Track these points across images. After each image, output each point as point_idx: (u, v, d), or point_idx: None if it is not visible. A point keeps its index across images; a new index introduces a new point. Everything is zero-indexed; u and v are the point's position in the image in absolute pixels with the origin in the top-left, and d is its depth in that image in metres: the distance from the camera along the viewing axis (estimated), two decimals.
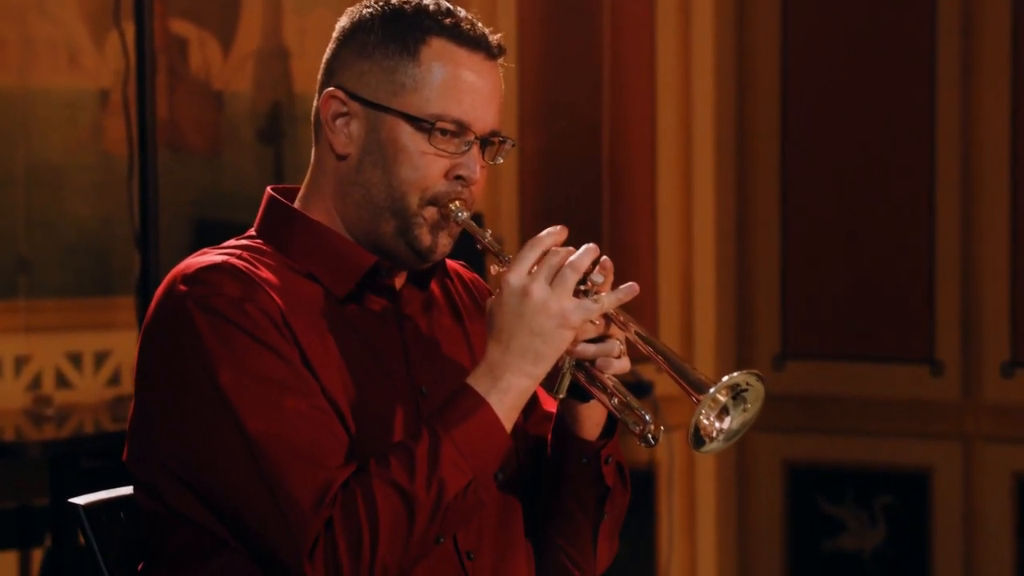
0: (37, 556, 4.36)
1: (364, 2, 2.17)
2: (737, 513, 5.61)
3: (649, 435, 2.04)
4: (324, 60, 2.18)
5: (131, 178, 4.18)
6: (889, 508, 5.38)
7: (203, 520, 2.05)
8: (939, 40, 5.27)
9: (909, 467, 5.35)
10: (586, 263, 2.02)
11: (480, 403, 2.02)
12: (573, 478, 2.17)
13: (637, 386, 4.72)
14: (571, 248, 2.04)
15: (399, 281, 2.18)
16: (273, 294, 2.07)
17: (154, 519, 2.09)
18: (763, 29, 5.52)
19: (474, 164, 2.13)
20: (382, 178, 2.12)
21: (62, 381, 4.63)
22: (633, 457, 5.12)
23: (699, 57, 5.54)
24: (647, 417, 2.04)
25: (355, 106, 2.13)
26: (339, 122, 2.14)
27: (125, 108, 4.20)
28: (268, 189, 2.21)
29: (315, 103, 2.17)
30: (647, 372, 4.88)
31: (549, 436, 2.20)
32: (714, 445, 2.01)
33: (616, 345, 2.06)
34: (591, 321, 2.04)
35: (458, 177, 2.13)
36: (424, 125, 2.10)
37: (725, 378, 1.98)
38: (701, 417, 1.98)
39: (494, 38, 2.15)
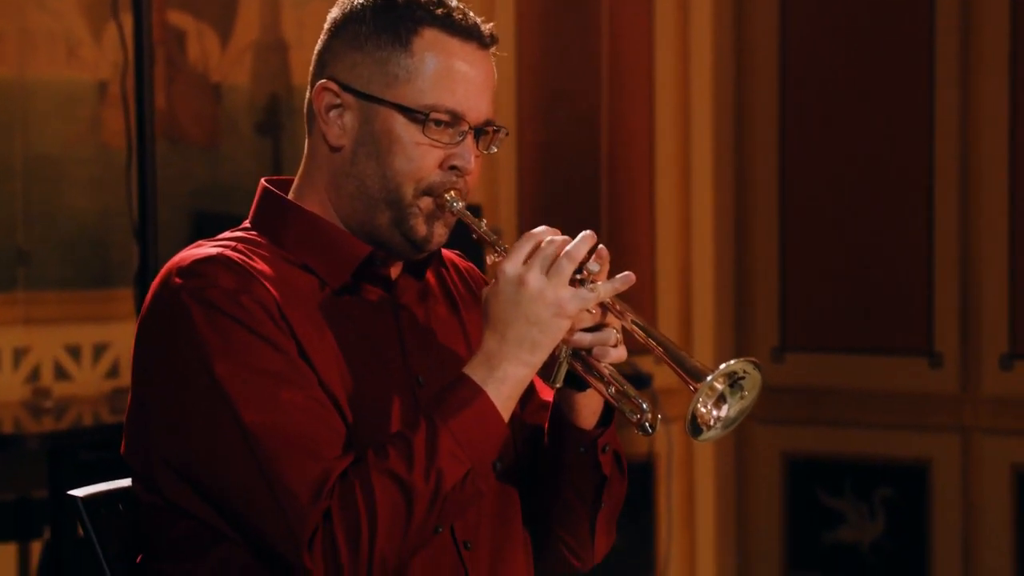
0: (36, 548, 4.36)
1: None
2: (736, 505, 5.61)
3: (646, 423, 2.04)
4: (316, 52, 2.17)
5: (129, 170, 4.18)
6: (888, 500, 5.38)
7: (201, 513, 2.05)
8: (937, 34, 5.27)
9: (908, 459, 5.35)
10: (582, 252, 2.02)
11: (477, 393, 2.02)
12: (570, 467, 2.17)
13: (636, 378, 4.72)
14: (567, 237, 2.04)
15: (395, 271, 2.18)
16: (268, 285, 2.06)
17: (152, 512, 2.09)
18: (762, 22, 5.52)
19: (468, 154, 2.12)
20: (376, 169, 2.12)
21: (61, 373, 4.63)
22: (632, 449, 5.12)
23: (697, 50, 5.54)
24: (644, 405, 2.04)
25: (348, 98, 2.13)
26: (332, 114, 2.14)
27: (123, 100, 4.20)
28: (262, 181, 2.21)
29: (308, 95, 2.17)
30: (646, 364, 4.88)
31: (546, 425, 2.20)
32: (711, 433, 2.01)
33: (612, 334, 2.06)
34: (587, 310, 2.04)
35: (453, 167, 2.12)
36: (418, 116, 2.10)
37: (722, 366, 1.98)
38: (698, 405, 1.98)
39: (486, 27, 2.14)
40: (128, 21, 3.92)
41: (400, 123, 2.11)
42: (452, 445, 2.00)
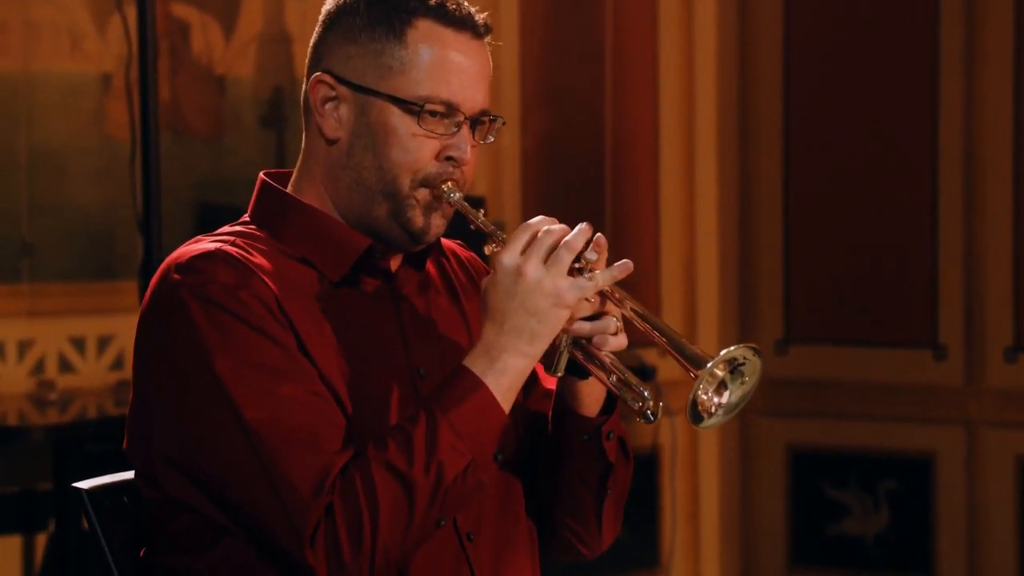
0: (41, 541, 4.36)
1: None
2: (740, 498, 5.61)
3: (648, 411, 2.04)
4: (311, 44, 2.17)
5: (133, 162, 4.17)
6: (892, 493, 5.38)
7: (203, 507, 2.05)
8: (942, 25, 5.26)
9: (912, 452, 5.35)
10: (580, 242, 2.02)
11: (477, 384, 2.02)
12: (575, 455, 2.16)
13: (640, 370, 4.72)
14: (565, 227, 2.04)
15: (394, 263, 2.18)
16: (267, 280, 2.06)
17: (154, 506, 2.09)
18: (766, 13, 5.51)
19: (465, 145, 2.12)
20: (373, 161, 2.12)
21: (65, 365, 4.64)
22: (636, 441, 5.12)
23: (702, 42, 5.53)
24: (645, 393, 2.04)
25: (343, 90, 2.12)
26: (328, 106, 2.13)
27: (127, 92, 4.20)
28: (261, 174, 2.20)
29: (304, 88, 2.16)
30: (650, 356, 4.88)
31: (550, 414, 2.20)
32: (713, 420, 2.01)
33: (612, 322, 2.05)
34: (586, 299, 2.04)
35: (449, 158, 2.12)
36: (413, 108, 2.10)
37: (722, 352, 1.98)
38: (699, 392, 1.98)
39: (480, 17, 2.14)
40: (132, 13, 3.92)
41: (395, 115, 2.10)
42: (452, 437, 2.00)
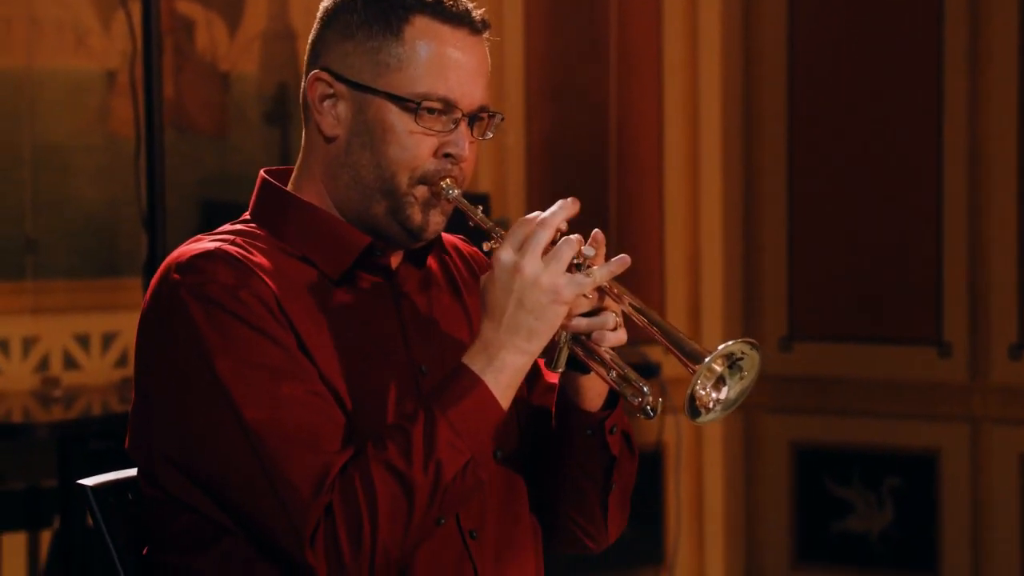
0: (46, 537, 4.37)
1: None
2: (744, 495, 5.61)
3: (648, 407, 2.03)
4: (309, 42, 2.16)
5: (138, 159, 4.18)
6: (897, 490, 5.38)
7: (204, 507, 2.04)
8: (946, 23, 5.26)
9: (917, 449, 5.35)
10: (578, 237, 2.01)
11: (476, 382, 2.01)
12: (579, 450, 2.16)
13: (644, 367, 4.72)
14: (563, 222, 2.03)
15: (395, 260, 2.17)
16: (267, 279, 2.05)
17: (156, 505, 2.09)
18: (770, 9, 5.51)
19: (462, 141, 2.11)
20: (371, 159, 2.11)
21: (70, 362, 4.64)
22: (641, 439, 5.12)
23: (706, 38, 5.53)
24: (645, 389, 2.03)
25: (341, 88, 2.12)
26: (326, 104, 2.13)
27: (132, 89, 4.20)
28: (261, 172, 2.20)
29: (302, 85, 2.16)
30: (655, 354, 4.88)
31: (553, 408, 2.20)
32: (710, 416, 2.00)
33: (611, 318, 2.05)
34: (584, 295, 2.03)
35: (447, 155, 2.11)
36: (410, 105, 2.09)
37: (720, 347, 1.97)
38: (697, 387, 1.98)
39: (477, 13, 2.13)
40: (136, 10, 3.92)
41: (393, 112, 2.10)
42: (451, 436, 1.99)
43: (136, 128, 4.19)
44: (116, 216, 4.65)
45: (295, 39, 4.99)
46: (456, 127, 2.11)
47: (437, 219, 2.13)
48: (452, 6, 2.11)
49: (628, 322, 2.06)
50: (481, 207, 2.13)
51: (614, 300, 2.05)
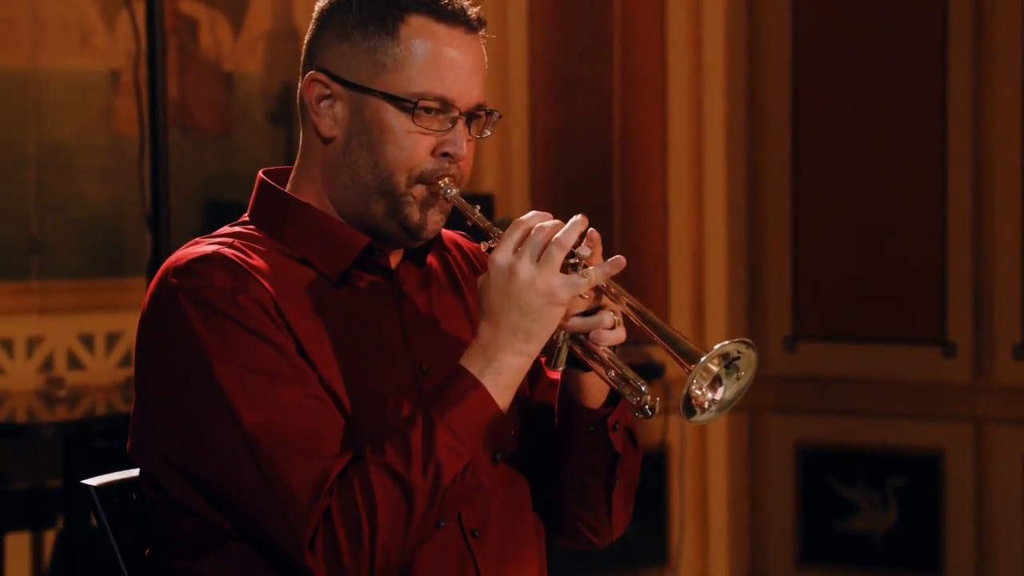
0: (50, 537, 4.37)
1: None
2: (748, 495, 5.61)
3: (646, 406, 2.03)
4: (305, 43, 2.16)
5: (142, 159, 4.18)
6: (901, 490, 5.37)
7: (204, 510, 2.04)
8: (951, 20, 5.25)
9: (921, 449, 5.34)
10: (572, 238, 2.01)
11: (474, 384, 2.01)
12: (582, 447, 2.16)
13: (647, 368, 4.72)
14: (558, 223, 2.03)
15: (394, 259, 2.17)
16: (265, 282, 2.05)
17: (157, 508, 2.09)
18: (774, 7, 5.51)
19: (460, 140, 2.11)
20: (369, 159, 2.11)
21: (74, 362, 4.64)
22: (645, 439, 5.11)
23: (710, 36, 5.53)
24: (643, 388, 2.03)
25: (338, 88, 2.11)
26: (323, 105, 2.13)
27: (136, 89, 4.20)
28: (260, 173, 2.20)
29: (299, 86, 2.16)
30: (658, 354, 4.87)
31: (555, 404, 2.19)
32: (706, 415, 2.00)
33: (609, 317, 2.04)
34: (580, 295, 2.03)
35: (445, 154, 2.11)
36: (407, 104, 2.08)
37: (716, 347, 1.97)
38: (693, 387, 1.98)
39: (473, 11, 2.13)
40: (141, 10, 3.93)
41: (390, 112, 2.09)
42: (449, 438, 1.99)
43: (140, 128, 4.20)
44: (120, 216, 4.65)
45: (299, 39, 4.99)
46: (453, 126, 2.10)
47: (436, 218, 2.13)
48: (448, 4, 2.11)
49: (629, 323, 2.06)
50: (479, 206, 2.13)
51: (612, 299, 2.05)
